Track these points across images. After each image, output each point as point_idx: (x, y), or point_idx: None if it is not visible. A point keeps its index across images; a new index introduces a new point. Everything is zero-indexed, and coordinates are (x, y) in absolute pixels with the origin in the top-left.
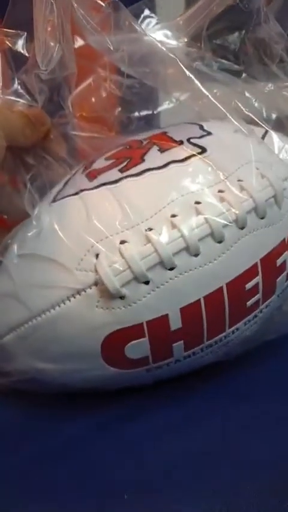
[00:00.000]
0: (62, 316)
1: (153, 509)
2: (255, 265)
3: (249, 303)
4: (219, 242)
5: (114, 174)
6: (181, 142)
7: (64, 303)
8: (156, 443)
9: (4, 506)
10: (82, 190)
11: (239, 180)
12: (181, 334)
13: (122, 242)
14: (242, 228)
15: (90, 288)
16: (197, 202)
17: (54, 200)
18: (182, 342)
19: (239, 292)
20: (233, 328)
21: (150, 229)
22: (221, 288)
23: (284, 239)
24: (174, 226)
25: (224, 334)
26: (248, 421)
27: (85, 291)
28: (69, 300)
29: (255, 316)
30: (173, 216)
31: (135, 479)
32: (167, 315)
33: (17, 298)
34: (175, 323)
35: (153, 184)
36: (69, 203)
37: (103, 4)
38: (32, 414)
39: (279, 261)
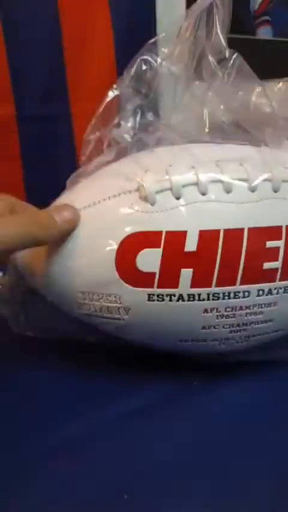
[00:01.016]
0: (97, 211)
1: (153, 509)
2: (280, 228)
3: (266, 265)
4: (252, 191)
5: None
6: None
7: (104, 200)
8: (157, 443)
9: (3, 506)
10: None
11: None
12: (193, 260)
13: (169, 166)
14: (275, 191)
15: (131, 193)
16: (244, 159)
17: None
18: (191, 270)
19: (258, 244)
20: (244, 287)
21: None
22: (242, 230)
23: None
24: (217, 164)
25: (234, 288)
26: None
27: (125, 194)
28: (109, 199)
29: (270, 291)
30: (217, 161)
31: (135, 479)
32: (185, 232)
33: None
34: (191, 244)
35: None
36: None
37: None
38: (31, 414)
39: None
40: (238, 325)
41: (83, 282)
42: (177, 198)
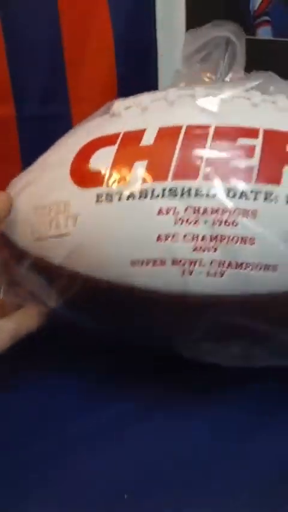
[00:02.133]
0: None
1: (153, 509)
2: (257, 130)
3: (238, 161)
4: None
5: None
6: None
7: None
8: (157, 443)
9: (3, 506)
10: None
11: None
12: (148, 152)
13: None
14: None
15: (105, 114)
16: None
17: None
18: (146, 161)
19: (227, 141)
20: (209, 182)
21: None
22: (208, 126)
23: None
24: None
25: (195, 183)
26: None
27: (100, 116)
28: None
29: (245, 194)
30: None
31: (136, 479)
32: (144, 130)
33: None
34: (148, 138)
35: None
36: None
37: None
38: (31, 414)
39: None
40: (204, 238)
41: (37, 196)
42: (143, 110)
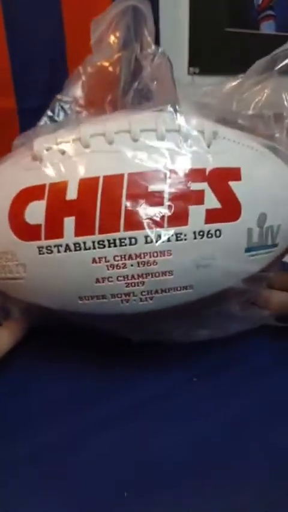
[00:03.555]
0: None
1: (153, 507)
2: (163, 170)
3: (151, 209)
4: (135, 141)
5: None
6: None
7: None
8: (156, 441)
9: (2, 504)
10: None
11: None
12: (74, 208)
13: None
14: (159, 139)
15: (27, 156)
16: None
17: None
18: (73, 218)
19: (140, 188)
20: (129, 233)
21: None
22: (122, 175)
23: (205, 170)
24: (103, 123)
25: (118, 234)
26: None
27: (22, 157)
28: (7, 164)
29: (159, 237)
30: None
31: (136, 477)
32: (66, 182)
33: None
34: (71, 193)
35: None
36: None
37: None
38: (31, 412)
39: (193, 186)
40: (133, 276)
41: None
42: (62, 153)
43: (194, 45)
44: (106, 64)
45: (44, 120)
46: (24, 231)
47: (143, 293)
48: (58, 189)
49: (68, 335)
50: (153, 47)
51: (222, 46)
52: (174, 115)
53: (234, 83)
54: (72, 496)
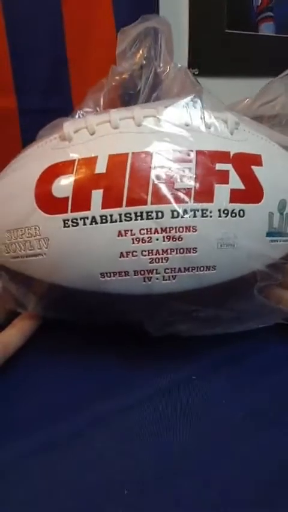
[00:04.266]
0: (25, 158)
1: (154, 504)
2: (189, 152)
3: (178, 184)
4: (157, 125)
5: None
6: None
7: (31, 147)
8: (156, 438)
9: (1, 502)
10: None
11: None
12: (102, 181)
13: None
14: (208, 128)
15: (55, 138)
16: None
17: None
18: (101, 190)
19: (167, 165)
20: (156, 206)
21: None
22: (150, 153)
23: (229, 153)
24: (132, 108)
25: (145, 207)
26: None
27: (49, 140)
28: (36, 146)
29: (186, 212)
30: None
31: (136, 474)
32: (96, 157)
33: None
34: (101, 166)
35: None
36: None
37: None
38: (31, 409)
39: (218, 167)
40: (157, 252)
41: (8, 221)
42: (91, 133)
43: (193, 47)
44: (126, 76)
45: None
46: (51, 205)
47: (166, 270)
48: (87, 163)
49: (69, 334)
50: (172, 64)
51: (221, 47)
52: (199, 104)
53: (245, 102)
54: (73, 493)
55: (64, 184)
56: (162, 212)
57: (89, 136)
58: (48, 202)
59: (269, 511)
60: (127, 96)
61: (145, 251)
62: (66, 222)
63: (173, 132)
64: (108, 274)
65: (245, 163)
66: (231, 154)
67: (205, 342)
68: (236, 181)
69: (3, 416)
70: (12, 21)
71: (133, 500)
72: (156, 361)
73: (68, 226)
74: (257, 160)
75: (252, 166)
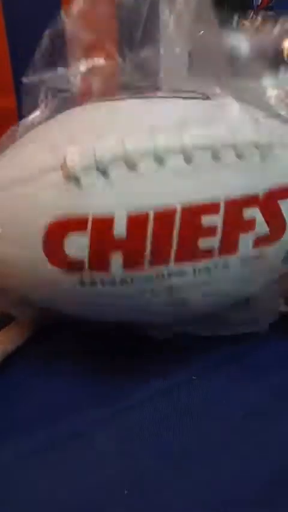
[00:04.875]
0: (19, 193)
1: (154, 504)
2: (218, 203)
3: (202, 243)
4: (188, 161)
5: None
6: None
7: (26, 181)
8: (156, 439)
9: (1, 503)
10: None
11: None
12: (122, 245)
13: (98, 136)
14: (215, 158)
15: (55, 170)
16: (182, 122)
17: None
18: (121, 254)
19: (193, 222)
20: (178, 266)
21: (129, 134)
22: (174, 208)
23: (258, 195)
24: (151, 132)
25: (167, 267)
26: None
27: (49, 172)
28: (32, 179)
29: (208, 269)
30: (152, 126)
31: (136, 474)
32: (113, 217)
33: None
34: (120, 228)
35: (148, 105)
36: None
37: None
38: (31, 409)
39: (246, 215)
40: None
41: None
42: (104, 176)
43: None
44: None
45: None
46: (64, 262)
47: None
48: (103, 222)
49: (70, 334)
50: None
51: None
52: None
53: None
54: (73, 493)
55: (77, 243)
56: (185, 272)
57: (101, 179)
58: (61, 259)
59: (269, 511)
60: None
61: (161, 302)
62: (83, 281)
63: (200, 172)
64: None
65: (274, 201)
66: (261, 196)
67: (205, 342)
68: (262, 226)
69: (3, 416)
70: (12, 21)
71: (133, 500)
72: (156, 361)
73: (85, 285)
74: (285, 192)
75: (279, 201)
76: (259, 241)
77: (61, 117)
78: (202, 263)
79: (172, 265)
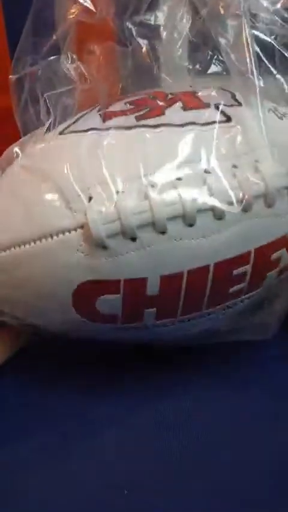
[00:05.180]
0: (41, 252)
1: (154, 504)
2: (249, 253)
3: (232, 289)
4: (219, 219)
5: (129, 120)
6: (207, 106)
7: (46, 239)
8: (156, 438)
9: (2, 504)
10: (92, 129)
11: (256, 161)
12: (156, 302)
13: (120, 192)
14: (245, 211)
15: (76, 230)
16: (207, 172)
17: (62, 133)
18: (155, 309)
19: (225, 276)
20: (209, 310)
21: (152, 186)
22: (207, 266)
23: (286, 235)
24: (176, 189)
25: (199, 313)
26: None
27: (70, 232)
28: (52, 238)
29: (235, 304)
30: (178, 179)
31: (136, 474)
32: (146, 279)
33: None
34: (152, 288)
35: (166, 141)
36: (75, 139)
37: None
38: (31, 410)
39: (274, 256)
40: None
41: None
42: (133, 240)
43: None
44: None
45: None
46: (97, 317)
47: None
48: (136, 285)
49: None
50: None
51: None
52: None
53: None
54: (72, 493)
55: (110, 302)
56: (214, 312)
57: (131, 245)
58: (94, 315)
59: (269, 511)
60: None
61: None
62: (117, 329)
63: (232, 231)
64: None
65: None
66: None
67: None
68: (285, 260)
69: (3, 416)
70: (12, 21)
71: (133, 500)
72: (155, 361)
73: (119, 330)
74: None
75: None
76: (282, 272)
77: (69, 150)
78: (230, 302)
79: (203, 311)
